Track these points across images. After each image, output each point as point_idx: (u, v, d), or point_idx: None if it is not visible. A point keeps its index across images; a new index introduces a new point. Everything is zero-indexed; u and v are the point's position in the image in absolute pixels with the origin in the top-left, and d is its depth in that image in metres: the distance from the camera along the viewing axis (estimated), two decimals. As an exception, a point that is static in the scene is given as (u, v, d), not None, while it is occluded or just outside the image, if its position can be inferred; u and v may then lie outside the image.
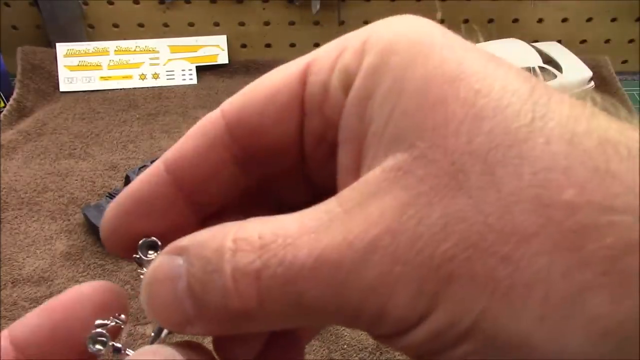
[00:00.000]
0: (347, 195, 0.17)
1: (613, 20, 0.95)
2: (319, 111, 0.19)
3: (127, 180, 0.68)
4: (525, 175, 0.14)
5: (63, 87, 0.87)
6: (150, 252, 0.21)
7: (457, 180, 0.15)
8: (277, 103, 0.19)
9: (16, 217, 0.66)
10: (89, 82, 0.88)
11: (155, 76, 0.89)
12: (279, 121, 0.19)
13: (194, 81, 0.89)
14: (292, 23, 0.94)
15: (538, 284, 0.14)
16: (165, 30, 0.93)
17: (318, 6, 0.90)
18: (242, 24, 0.93)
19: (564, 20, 0.95)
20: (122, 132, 0.79)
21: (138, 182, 0.21)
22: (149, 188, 0.20)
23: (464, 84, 0.16)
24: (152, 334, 0.21)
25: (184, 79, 0.89)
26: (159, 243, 0.21)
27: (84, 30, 0.92)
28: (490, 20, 0.95)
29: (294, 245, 0.16)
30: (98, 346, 0.20)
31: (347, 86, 0.18)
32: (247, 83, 0.21)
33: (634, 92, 0.94)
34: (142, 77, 0.89)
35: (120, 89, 0.87)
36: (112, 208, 0.21)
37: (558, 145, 0.15)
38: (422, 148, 0.15)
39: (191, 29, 0.93)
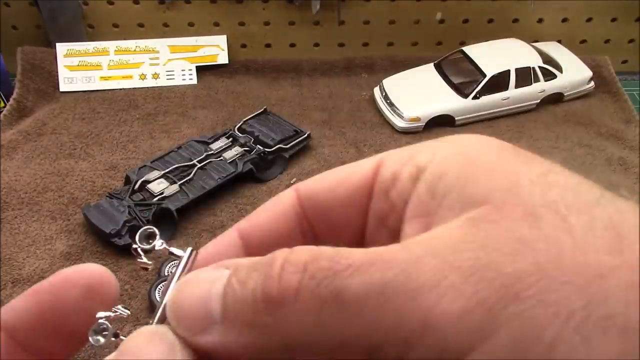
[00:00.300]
0: (411, 240, 0.18)
1: (613, 20, 0.95)
2: (385, 195, 0.21)
3: (127, 180, 0.68)
4: (598, 224, 0.16)
5: (63, 87, 0.87)
6: (150, 241, 0.21)
7: (530, 222, 0.16)
8: (349, 185, 0.22)
9: (16, 217, 0.66)
10: (89, 82, 0.88)
11: (155, 76, 0.89)
12: (348, 200, 0.22)
13: (194, 81, 0.89)
14: (292, 23, 0.94)
15: (616, 317, 0.14)
16: (165, 30, 0.93)
17: (318, 6, 0.90)
18: (242, 24, 0.93)
19: (564, 20, 0.95)
20: (122, 132, 0.79)
21: (213, 245, 0.22)
22: (224, 251, 0.22)
23: (530, 167, 0.18)
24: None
25: (184, 79, 0.89)
26: (157, 232, 0.21)
27: (84, 30, 0.92)
28: (490, 20, 0.95)
29: (348, 251, 0.17)
30: (99, 337, 0.20)
31: (415, 177, 0.20)
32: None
33: (634, 92, 0.94)
34: (142, 77, 0.89)
35: (120, 89, 0.87)
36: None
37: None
38: (496, 202, 0.17)
39: (191, 29, 0.93)
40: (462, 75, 0.83)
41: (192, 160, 0.70)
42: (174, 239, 0.64)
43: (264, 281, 0.17)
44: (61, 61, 0.88)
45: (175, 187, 0.66)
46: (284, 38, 0.95)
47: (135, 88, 0.88)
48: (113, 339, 0.21)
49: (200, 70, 0.90)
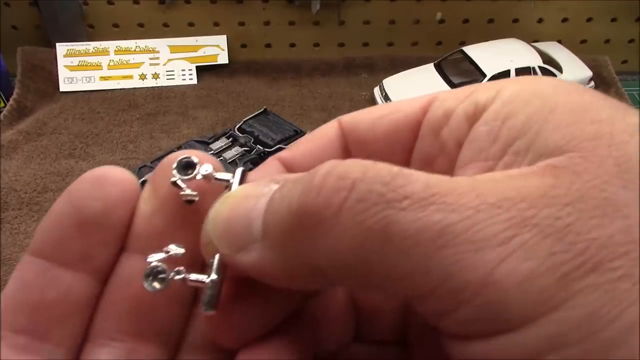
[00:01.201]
0: (480, 179, 0.15)
1: (613, 20, 0.95)
2: (435, 135, 0.19)
3: (127, 180, 0.68)
4: None
5: (63, 87, 0.87)
6: (188, 171, 0.19)
7: (625, 180, 0.14)
8: (392, 119, 0.20)
9: (16, 217, 0.66)
10: (89, 82, 0.88)
11: (155, 76, 0.89)
12: (390, 136, 0.20)
13: (194, 81, 0.89)
14: (292, 23, 0.94)
15: None
16: (165, 30, 0.93)
17: (318, 6, 0.90)
18: (242, 24, 0.93)
19: (564, 20, 0.95)
20: (122, 132, 0.79)
21: (255, 173, 0.21)
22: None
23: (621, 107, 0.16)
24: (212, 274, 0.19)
25: (184, 79, 0.89)
26: (196, 161, 0.19)
27: (84, 30, 0.92)
28: (490, 20, 0.95)
29: (407, 178, 0.14)
30: (155, 284, 0.19)
31: (472, 116, 0.18)
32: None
33: (634, 92, 0.94)
34: (142, 77, 0.89)
35: (120, 89, 0.87)
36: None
37: None
38: (583, 151, 0.14)
39: (191, 29, 0.93)
40: (462, 75, 0.83)
41: (192, 160, 0.70)
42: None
43: (302, 192, 0.15)
44: (61, 61, 0.88)
45: (175, 187, 0.66)
46: (284, 38, 0.95)
47: (135, 88, 0.88)
48: (175, 278, 0.18)
49: (200, 70, 0.90)
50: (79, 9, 0.90)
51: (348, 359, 0.22)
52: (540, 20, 0.95)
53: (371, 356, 0.23)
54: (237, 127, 0.76)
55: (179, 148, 0.72)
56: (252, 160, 0.71)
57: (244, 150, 0.72)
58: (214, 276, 0.18)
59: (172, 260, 0.19)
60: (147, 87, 0.88)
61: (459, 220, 0.14)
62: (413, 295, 0.14)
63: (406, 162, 0.20)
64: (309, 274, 0.16)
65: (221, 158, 0.71)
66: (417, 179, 0.14)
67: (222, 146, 0.73)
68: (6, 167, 0.72)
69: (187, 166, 0.19)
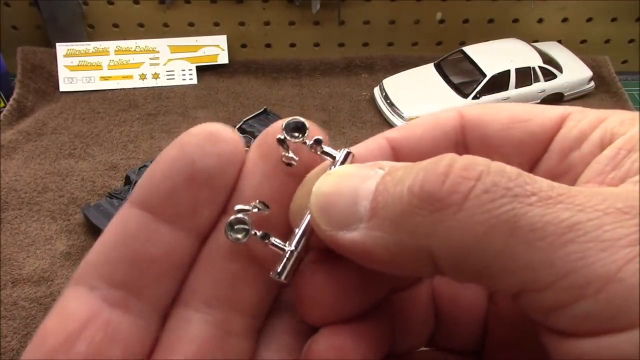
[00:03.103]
0: (606, 190, 0.16)
1: (613, 20, 0.95)
2: (563, 154, 0.19)
3: (127, 180, 0.68)
4: None
5: (63, 87, 0.87)
6: (295, 134, 0.19)
7: None
8: (526, 128, 0.20)
9: (16, 217, 0.66)
10: (89, 82, 0.88)
11: (155, 76, 0.89)
12: (521, 145, 0.20)
13: (194, 81, 0.89)
14: (292, 23, 0.94)
15: None
16: (165, 30, 0.93)
17: (318, 6, 0.90)
18: (242, 24, 0.93)
19: (564, 20, 0.95)
20: (122, 132, 0.79)
21: (363, 148, 0.21)
22: (373, 156, 0.21)
23: None
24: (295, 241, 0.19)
25: (184, 79, 0.89)
26: (307, 125, 0.19)
27: (84, 30, 0.92)
28: (490, 20, 0.95)
29: (532, 177, 0.15)
30: (238, 235, 0.18)
31: (606, 143, 0.18)
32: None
33: (634, 92, 0.94)
34: (142, 77, 0.89)
35: (120, 89, 0.87)
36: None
37: None
38: None
39: (191, 29, 0.93)
40: (462, 75, 0.83)
41: (192, 160, 0.70)
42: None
43: (425, 177, 0.15)
44: (61, 61, 0.88)
45: (175, 187, 0.66)
46: (284, 38, 0.95)
47: (135, 88, 0.88)
48: (257, 235, 0.18)
49: (201, 70, 0.90)
50: (79, 9, 0.90)
51: None
52: (540, 20, 0.95)
53: None
54: (237, 127, 0.76)
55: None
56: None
57: (244, 150, 0.72)
58: (294, 247, 0.19)
59: (257, 219, 0.19)
60: (147, 87, 0.88)
61: (587, 220, 0.14)
62: (529, 289, 0.15)
63: (529, 170, 0.20)
64: (416, 259, 0.16)
65: (221, 158, 0.71)
66: (542, 180, 0.15)
67: (222, 146, 0.73)
68: (6, 167, 0.72)
69: (295, 128, 0.19)
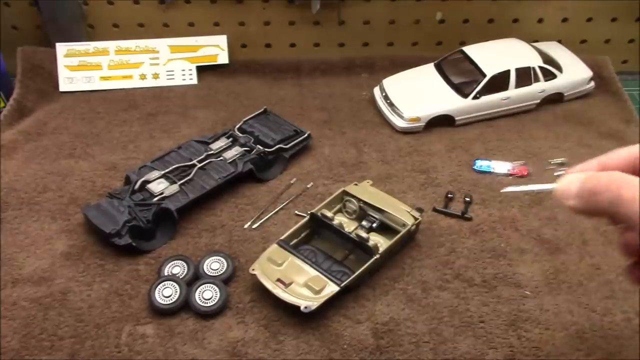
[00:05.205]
0: None
1: (613, 20, 0.95)
2: None
3: (127, 180, 0.68)
4: None
5: (63, 87, 0.87)
6: None
7: None
8: None
9: (16, 217, 0.66)
10: (89, 82, 0.88)
11: (155, 76, 0.89)
12: None
13: (194, 81, 0.89)
14: (292, 23, 0.94)
15: None
16: (165, 30, 0.93)
17: (318, 6, 0.90)
18: (242, 24, 0.93)
19: (564, 20, 0.95)
20: (122, 132, 0.79)
21: (579, 167, 0.39)
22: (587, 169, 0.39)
23: None
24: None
25: (184, 79, 0.89)
26: None
27: (84, 30, 0.92)
28: (490, 20, 0.95)
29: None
30: None
31: None
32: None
33: (634, 92, 0.94)
34: (142, 77, 0.89)
35: (120, 89, 0.87)
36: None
37: None
38: None
39: (191, 29, 0.93)
40: (462, 75, 0.83)
41: (192, 160, 0.70)
42: (174, 239, 0.64)
43: (588, 180, 0.36)
44: (61, 61, 0.88)
45: (175, 187, 0.66)
46: (284, 38, 0.95)
47: (135, 88, 0.88)
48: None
49: (201, 70, 0.90)
50: (79, 9, 0.90)
51: None
52: (540, 20, 0.95)
53: None
54: (237, 127, 0.76)
55: (179, 148, 0.72)
56: (252, 160, 0.71)
57: (244, 150, 0.72)
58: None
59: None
60: (147, 87, 0.88)
61: None
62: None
63: None
64: (585, 209, 0.36)
65: (221, 158, 0.71)
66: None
67: (222, 146, 0.73)
68: (6, 167, 0.72)
69: None
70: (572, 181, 0.37)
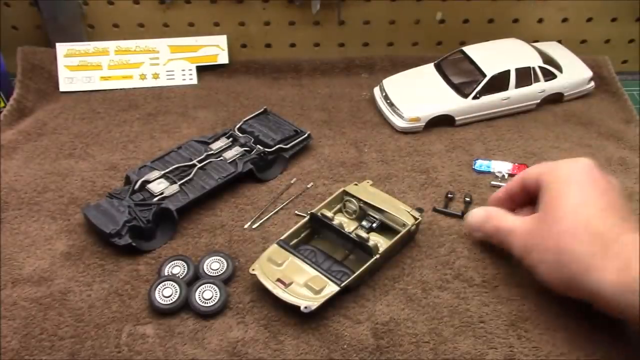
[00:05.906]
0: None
1: (613, 20, 0.95)
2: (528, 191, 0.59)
3: (127, 180, 0.68)
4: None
5: (63, 87, 0.87)
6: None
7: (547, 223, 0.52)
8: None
9: (16, 217, 0.66)
10: (89, 82, 0.88)
11: (155, 76, 0.89)
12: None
13: (194, 81, 0.89)
14: (292, 23, 0.94)
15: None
16: (165, 30, 0.93)
17: (318, 6, 0.90)
18: (242, 24, 0.93)
19: (564, 20, 0.95)
20: (122, 132, 0.79)
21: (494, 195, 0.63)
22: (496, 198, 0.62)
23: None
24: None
25: (184, 79, 0.89)
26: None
27: (84, 30, 0.92)
28: (490, 20, 0.95)
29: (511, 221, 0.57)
30: None
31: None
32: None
33: (634, 92, 0.94)
34: (142, 77, 0.89)
35: (120, 89, 0.87)
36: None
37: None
38: (543, 211, 0.53)
39: (191, 29, 0.93)
40: (462, 75, 0.83)
41: (192, 160, 0.70)
42: (174, 239, 0.64)
43: (484, 219, 0.59)
44: (61, 61, 0.88)
45: (175, 187, 0.66)
46: (284, 38, 0.95)
47: (135, 88, 0.88)
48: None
49: (201, 70, 0.90)
50: (79, 9, 0.90)
51: None
52: (540, 20, 0.95)
53: None
54: (237, 127, 0.76)
55: (179, 148, 0.72)
56: (252, 160, 0.71)
57: (244, 150, 0.72)
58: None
59: None
60: (147, 87, 0.88)
61: (519, 243, 0.56)
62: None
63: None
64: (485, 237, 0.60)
65: (221, 158, 0.71)
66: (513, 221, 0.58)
67: (222, 146, 0.73)
68: (6, 167, 0.72)
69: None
70: (474, 215, 0.59)
